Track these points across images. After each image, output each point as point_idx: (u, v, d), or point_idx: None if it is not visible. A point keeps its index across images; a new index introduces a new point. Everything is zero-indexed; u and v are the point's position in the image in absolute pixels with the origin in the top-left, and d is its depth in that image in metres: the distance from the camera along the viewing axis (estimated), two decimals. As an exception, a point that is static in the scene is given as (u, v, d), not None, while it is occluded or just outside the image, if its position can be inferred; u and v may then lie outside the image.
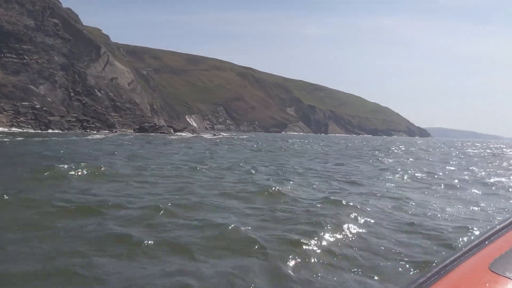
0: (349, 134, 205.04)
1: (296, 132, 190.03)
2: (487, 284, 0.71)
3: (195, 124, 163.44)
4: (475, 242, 0.81)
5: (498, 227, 0.82)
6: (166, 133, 66.80)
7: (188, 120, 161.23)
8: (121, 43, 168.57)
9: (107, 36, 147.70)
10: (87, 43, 73.21)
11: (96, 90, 70.05)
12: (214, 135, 76.72)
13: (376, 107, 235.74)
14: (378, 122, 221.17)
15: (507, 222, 0.83)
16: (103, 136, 47.48)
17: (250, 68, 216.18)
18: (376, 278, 5.44)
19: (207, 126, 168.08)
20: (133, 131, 66.52)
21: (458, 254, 0.79)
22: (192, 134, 72.58)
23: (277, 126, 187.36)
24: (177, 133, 69.21)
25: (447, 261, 0.78)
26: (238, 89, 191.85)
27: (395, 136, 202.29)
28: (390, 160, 28.00)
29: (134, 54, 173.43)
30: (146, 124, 69.66)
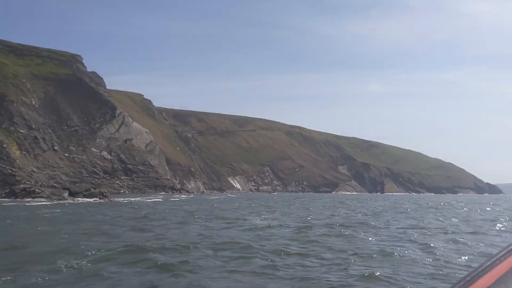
0: (409, 192, 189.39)
1: (349, 191, 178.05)
2: None
3: (238, 186, 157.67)
4: None
5: None
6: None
7: (231, 181, 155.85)
8: (166, 107, 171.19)
9: (149, 100, 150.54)
10: (101, 105, 71.09)
11: (106, 152, 66.58)
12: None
13: (438, 163, 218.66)
14: (441, 179, 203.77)
15: None
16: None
17: (298, 127, 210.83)
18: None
19: (252, 188, 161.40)
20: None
21: (502, 252, 0.82)
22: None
23: (327, 186, 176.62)
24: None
25: (494, 258, 0.82)
26: (285, 148, 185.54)
27: (461, 194, 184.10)
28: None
29: (178, 117, 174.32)
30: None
